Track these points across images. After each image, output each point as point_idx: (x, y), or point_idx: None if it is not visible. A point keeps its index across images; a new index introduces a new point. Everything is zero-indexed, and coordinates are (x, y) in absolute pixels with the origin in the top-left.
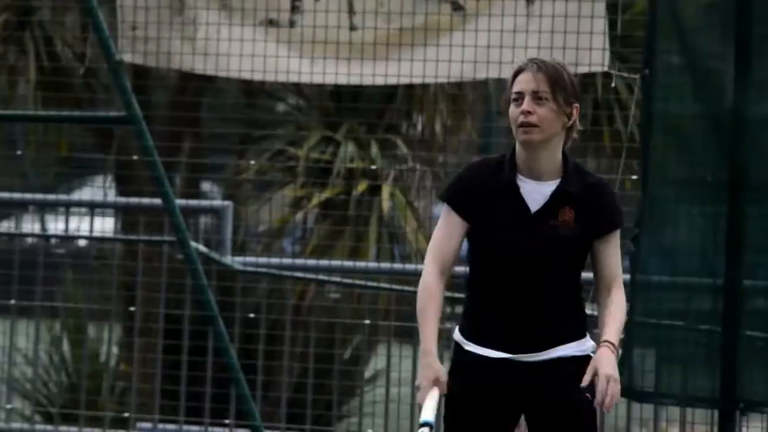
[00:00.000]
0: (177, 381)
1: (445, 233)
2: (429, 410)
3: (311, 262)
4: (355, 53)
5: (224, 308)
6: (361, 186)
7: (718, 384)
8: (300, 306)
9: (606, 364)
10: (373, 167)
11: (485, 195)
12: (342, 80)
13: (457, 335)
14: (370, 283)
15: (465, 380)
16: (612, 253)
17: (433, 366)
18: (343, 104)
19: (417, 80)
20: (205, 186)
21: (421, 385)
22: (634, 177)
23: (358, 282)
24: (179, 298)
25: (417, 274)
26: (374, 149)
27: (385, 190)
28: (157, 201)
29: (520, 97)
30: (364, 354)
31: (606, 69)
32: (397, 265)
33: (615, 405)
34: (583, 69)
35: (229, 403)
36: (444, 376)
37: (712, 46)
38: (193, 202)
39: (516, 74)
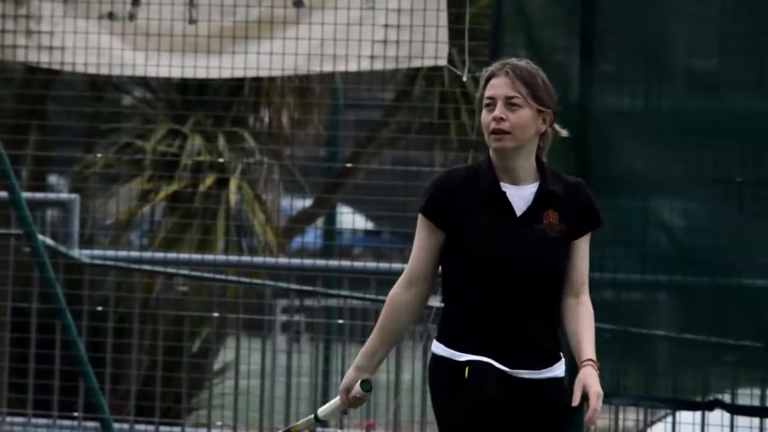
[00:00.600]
0: (25, 374)
1: (417, 245)
2: (324, 408)
3: (159, 255)
4: (195, 46)
5: (72, 301)
6: (209, 179)
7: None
8: (148, 299)
9: (595, 383)
10: (221, 160)
11: (466, 203)
12: (180, 73)
13: (442, 350)
14: (218, 276)
15: (471, 391)
16: (584, 255)
17: (348, 375)
18: (190, 97)
19: (262, 73)
20: (52, 179)
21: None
22: None
23: (206, 275)
24: (26, 291)
25: (266, 267)
26: (221, 142)
27: (233, 183)
28: (3, 194)
29: (492, 102)
30: (213, 347)
31: (445, 63)
32: (245, 258)
33: None
34: (419, 62)
35: (77, 396)
36: (352, 385)
37: (557, 40)
38: (39, 195)
39: (488, 78)
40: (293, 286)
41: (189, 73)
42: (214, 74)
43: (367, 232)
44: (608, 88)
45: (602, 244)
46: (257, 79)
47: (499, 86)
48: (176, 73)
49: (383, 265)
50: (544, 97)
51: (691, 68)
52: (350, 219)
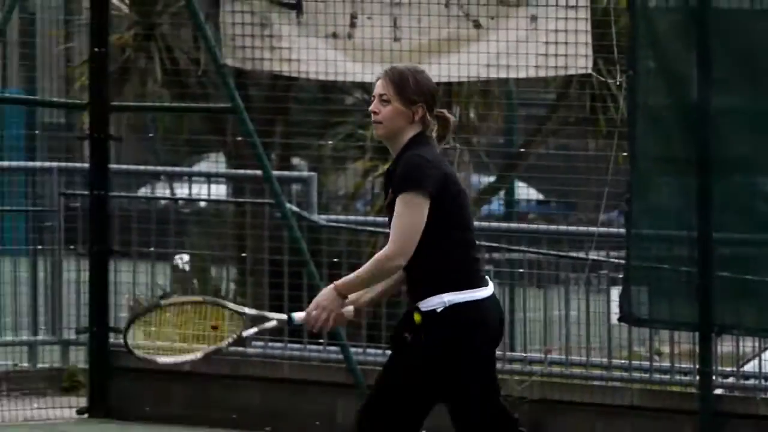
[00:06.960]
0: (280, 309)
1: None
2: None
3: (379, 219)
4: (400, 59)
5: (313, 255)
6: None
7: (698, 312)
8: (373, 253)
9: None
10: None
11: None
12: None
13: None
14: None
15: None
16: (394, 214)
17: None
18: None
19: (452, 79)
20: (295, 161)
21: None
22: (625, 154)
23: None
24: (278, 247)
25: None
26: None
27: None
28: (259, 172)
29: (372, 99)
30: None
31: (590, 71)
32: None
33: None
34: (573, 71)
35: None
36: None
37: (679, 53)
38: (286, 173)
39: (378, 80)
40: (483, 243)
41: None
42: None
43: (538, 202)
44: (725, 89)
45: (720, 210)
46: (449, 84)
47: (377, 86)
48: None
49: (551, 227)
50: (410, 93)
51: None
52: (525, 191)
